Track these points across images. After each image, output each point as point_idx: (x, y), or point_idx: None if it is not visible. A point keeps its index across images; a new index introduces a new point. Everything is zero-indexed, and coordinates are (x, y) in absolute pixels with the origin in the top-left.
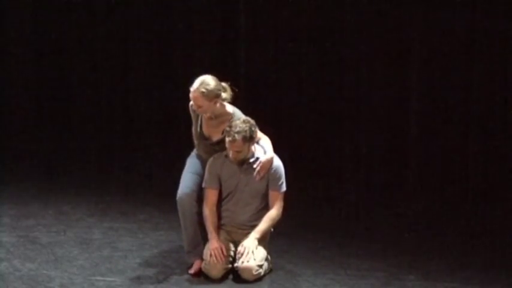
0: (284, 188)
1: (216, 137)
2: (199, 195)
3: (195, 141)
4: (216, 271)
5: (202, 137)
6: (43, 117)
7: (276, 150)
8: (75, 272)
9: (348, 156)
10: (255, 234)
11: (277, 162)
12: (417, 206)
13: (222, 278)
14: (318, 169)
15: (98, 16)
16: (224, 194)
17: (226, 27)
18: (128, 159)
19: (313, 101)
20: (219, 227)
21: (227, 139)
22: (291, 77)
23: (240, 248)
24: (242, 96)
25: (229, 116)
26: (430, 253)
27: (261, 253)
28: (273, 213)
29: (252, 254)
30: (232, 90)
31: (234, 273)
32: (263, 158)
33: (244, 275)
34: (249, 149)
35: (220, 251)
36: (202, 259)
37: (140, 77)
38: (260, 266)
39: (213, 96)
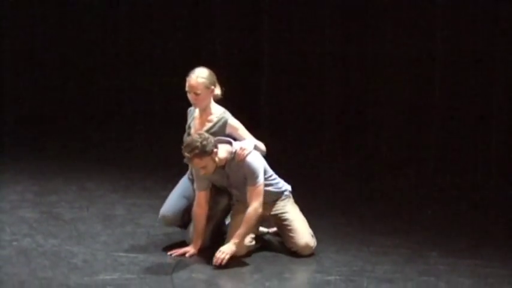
0: (259, 181)
1: None
2: (182, 216)
3: None
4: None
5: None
6: (65, 96)
7: (298, 131)
8: (98, 248)
9: (370, 134)
10: (234, 239)
11: (251, 157)
12: (440, 183)
13: (246, 255)
14: (341, 147)
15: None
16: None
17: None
18: (151, 135)
19: (338, 85)
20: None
21: (184, 160)
22: (316, 55)
23: (217, 253)
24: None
25: (217, 115)
26: (452, 230)
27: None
28: (250, 213)
29: (228, 256)
30: (221, 86)
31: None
32: (238, 147)
33: (304, 251)
34: (213, 159)
35: (181, 254)
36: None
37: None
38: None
39: (210, 83)
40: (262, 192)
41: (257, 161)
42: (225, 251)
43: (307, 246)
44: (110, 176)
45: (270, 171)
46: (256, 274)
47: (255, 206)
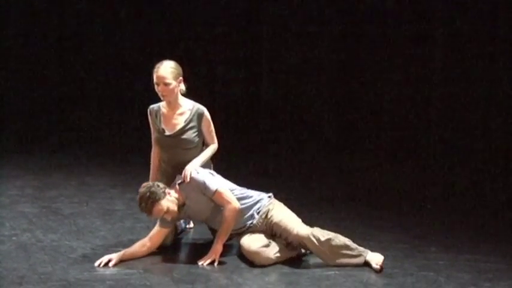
0: (215, 186)
1: (173, 130)
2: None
3: (152, 168)
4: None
5: (162, 132)
6: (65, 90)
7: (297, 128)
8: (98, 243)
9: (370, 129)
10: (218, 240)
11: (193, 173)
12: (440, 178)
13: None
14: (341, 143)
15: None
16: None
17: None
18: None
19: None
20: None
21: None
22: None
23: (203, 259)
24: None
25: (189, 107)
26: (452, 225)
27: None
28: (225, 214)
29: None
30: (185, 83)
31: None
32: (181, 176)
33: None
34: (170, 200)
35: (105, 262)
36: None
37: None
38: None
39: (178, 74)
40: (227, 194)
41: (200, 173)
42: (211, 255)
43: (303, 237)
44: (109, 171)
45: (236, 187)
46: (256, 269)
47: (228, 207)
